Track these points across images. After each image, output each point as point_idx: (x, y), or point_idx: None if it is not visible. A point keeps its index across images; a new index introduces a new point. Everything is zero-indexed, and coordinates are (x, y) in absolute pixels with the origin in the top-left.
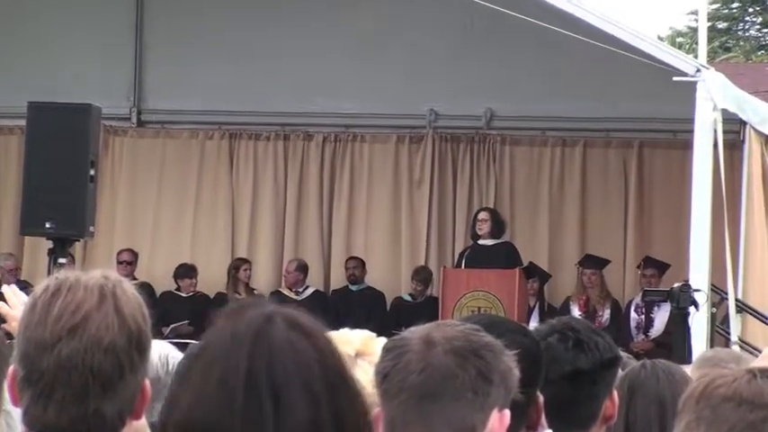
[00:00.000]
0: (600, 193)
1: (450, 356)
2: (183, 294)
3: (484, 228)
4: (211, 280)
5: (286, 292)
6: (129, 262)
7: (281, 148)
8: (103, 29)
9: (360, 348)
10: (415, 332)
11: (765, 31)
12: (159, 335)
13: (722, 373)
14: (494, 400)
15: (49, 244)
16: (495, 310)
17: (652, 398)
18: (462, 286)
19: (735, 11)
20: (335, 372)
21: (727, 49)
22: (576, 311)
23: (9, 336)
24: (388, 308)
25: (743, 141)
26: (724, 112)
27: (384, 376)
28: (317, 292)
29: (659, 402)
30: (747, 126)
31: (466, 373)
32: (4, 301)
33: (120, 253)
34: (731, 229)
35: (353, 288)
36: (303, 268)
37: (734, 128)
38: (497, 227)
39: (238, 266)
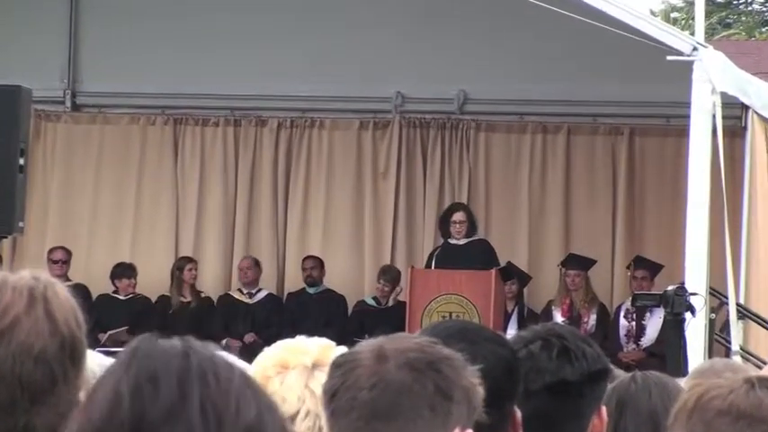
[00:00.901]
0: (585, 185)
1: (405, 370)
2: (122, 297)
3: (462, 231)
4: (153, 281)
5: (236, 295)
6: (62, 261)
7: (231, 134)
8: (35, 2)
9: (317, 358)
10: (365, 346)
11: None
12: (95, 343)
13: (717, 382)
14: (455, 419)
15: None
16: (468, 316)
17: (643, 414)
18: (432, 289)
19: None
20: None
21: (728, 26)
22: (558, 317)
23: None
24: (349, 313)
25: (744, 128)
26: (723, 95)
27: (332, 395)
28: (270, 295)
29: (651, 419)
30: (750, 111)
31: (422, 389)
32: None
33: (52, 251)
34: (732, 225)
35: (311, 291)
36: (258, 266)
37: (735, 113)
38: (471, 225)
39: (183, 266)
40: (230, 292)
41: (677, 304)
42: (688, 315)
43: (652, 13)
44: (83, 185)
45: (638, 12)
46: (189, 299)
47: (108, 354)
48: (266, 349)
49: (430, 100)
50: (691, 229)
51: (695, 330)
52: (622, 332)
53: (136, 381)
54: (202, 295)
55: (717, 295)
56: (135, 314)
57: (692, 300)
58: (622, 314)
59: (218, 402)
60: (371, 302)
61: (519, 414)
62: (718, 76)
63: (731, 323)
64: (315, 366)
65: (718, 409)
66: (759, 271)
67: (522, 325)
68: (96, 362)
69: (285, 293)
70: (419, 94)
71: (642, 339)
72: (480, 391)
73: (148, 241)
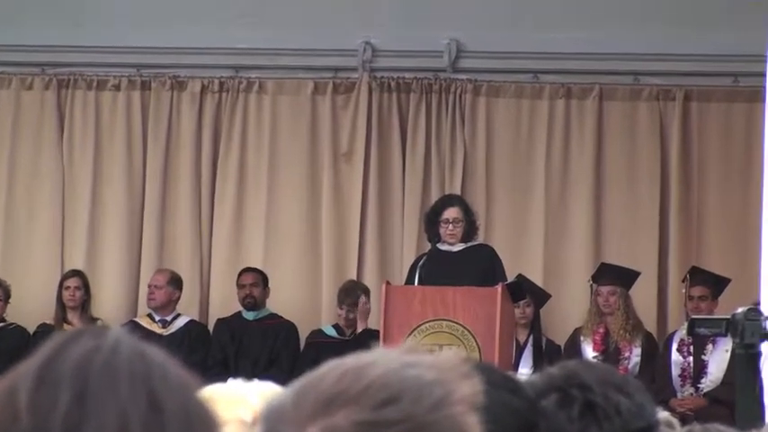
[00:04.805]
0: (624, 168)
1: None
2: None
3: (457, 233)
4: (32, 305)
5: (145, 322)
6: None
7: (138, 101)
8: None
9: (260, 410)
10: (282, 411)
11: None
12: None
13: None
14: None
15: None
16: (464, 350)
17: None
18: (415, 312)
19: None
20: None
21: None
22: (589, 351)
23: None
24: (301, 346)
25: None
26: None
27: None
28: (192, 323)
29: None
30: None
31: None
32: None
33: None
34: None
35: (249, 316)
36: (177, 283)
37: None
38: (469, 225)
39: (71, 284)
40: (137, 319)
41: (750, 332)
42: (765, 347)
43: None
44: None
45: None
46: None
47: None
48: None
49: (410, 53)
50: None
51: None
52: (675, 371)
53: None
54: (99, 323)
55: None
56: (5, 349)
57: None
58: (675, 346)
59: None
60: (331, 332)
61: None
62: None
63: None
64: (257, 421)
65: None
66: None
67: (538, 363)
68: None
69: (212, 320)
70: (395, 46)
71: (702, 380)
72: None
73: (24, 250)
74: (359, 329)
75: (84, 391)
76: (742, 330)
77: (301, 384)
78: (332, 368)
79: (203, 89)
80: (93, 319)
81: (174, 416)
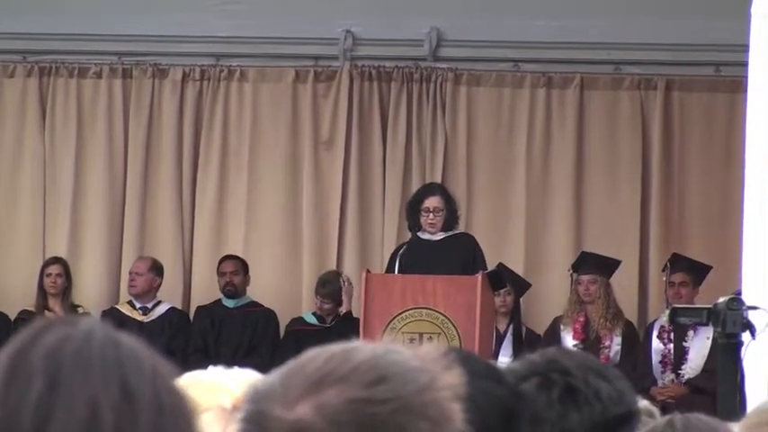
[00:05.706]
0: (605, 157)
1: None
2: None
3: (437, 222)
4: (13, 292)
5: (126, 309)
6: None
7: (119, 89)
8: None
9: (241, 398)
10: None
11: None
12: None
13: None
14: None
15: None
16: (445, 338)
17: None
18: (395, 301)
19: None
20: None
21: None
22: (569, 340)
23: None
24: (281, 334)
25: None
26: None
27: None
28: (172, 310)
29: None
30: None
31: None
32: None
33: None
34: None
35: (229, 304)
36: (158, 270)
37: None
38: (450, 213)
39: (52, 271)
40: (118, 306)
41: (731, 321)
42: (746, 336)
43: None
44: None
45: None
46: (61, 315)
47: None
48: None
49: (391, 42)
50: (749, 217)
51: (756, 357)
52: (656, 358)
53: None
54: (80, 311)
55: None
56: None
57: (752, 315)
58: (655, 334)
59: None
60: (311, 320)
61: None
62: None
63: None
64: (236, 408)
65: None
66: None
67: (518, 351)
68: None
69: (194, 307)
70: (376, 34)
71: (683, 368)
72: None
73: (6, 236)
74: (344, 310)
75: (56, 380)
76: (723, 320)
77: (287, 368)
78: (318, 353)
79: (184, 77)
80: (75, 306)
81: (146, 403)
